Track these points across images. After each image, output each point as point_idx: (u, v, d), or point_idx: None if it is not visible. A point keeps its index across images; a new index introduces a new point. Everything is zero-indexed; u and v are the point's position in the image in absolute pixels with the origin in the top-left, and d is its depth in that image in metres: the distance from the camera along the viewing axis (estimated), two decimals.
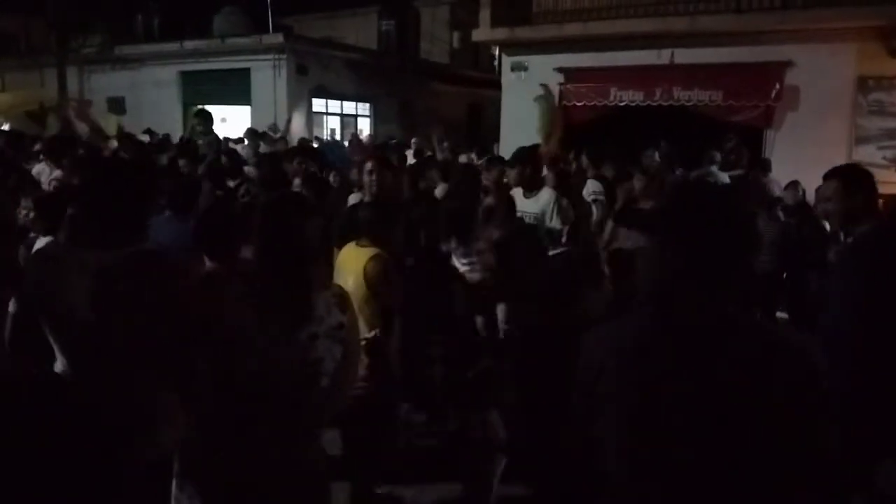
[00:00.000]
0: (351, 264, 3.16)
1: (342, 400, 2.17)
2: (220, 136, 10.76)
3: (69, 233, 3.13)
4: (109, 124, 14.09)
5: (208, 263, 2.89)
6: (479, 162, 8.20)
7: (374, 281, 3.08)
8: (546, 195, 4.91)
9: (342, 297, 2.11)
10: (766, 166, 8.96)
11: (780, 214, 6.79)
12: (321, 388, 2.01)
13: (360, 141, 13.17)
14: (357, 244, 3.25)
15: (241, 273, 2.12)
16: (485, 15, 11.60)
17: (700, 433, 1.40)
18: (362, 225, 3.31)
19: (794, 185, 7.49)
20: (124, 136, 8.82)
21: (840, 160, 9.16)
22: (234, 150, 8.64)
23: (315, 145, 11.87)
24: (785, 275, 6.64)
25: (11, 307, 2.47)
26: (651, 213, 4.20)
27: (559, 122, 11.27)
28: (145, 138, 10.93)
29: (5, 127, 14.02)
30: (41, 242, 3.72)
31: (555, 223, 4.69)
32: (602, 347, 1.59)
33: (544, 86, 11.41)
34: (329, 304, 2.04)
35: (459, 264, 4.13)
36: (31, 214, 3.96)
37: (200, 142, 8.79)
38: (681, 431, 1.41)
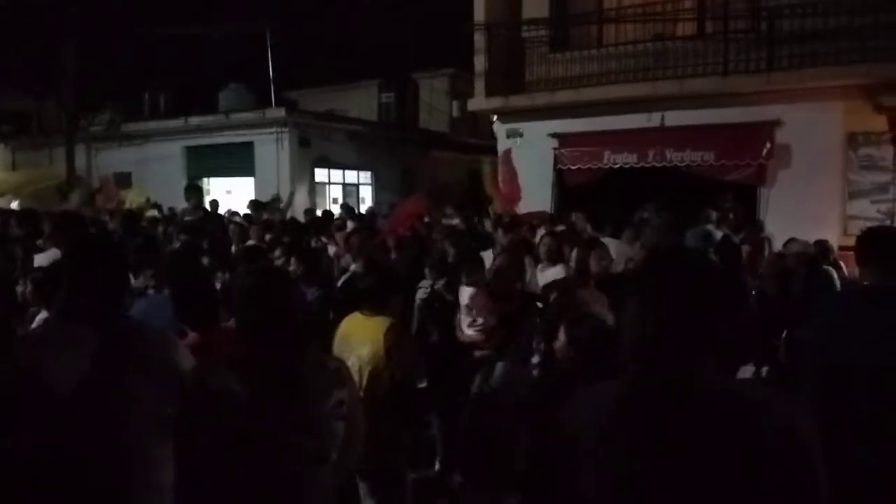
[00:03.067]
0: (364, 334, 3.18)
1: (345, 473, 2.14)
2: (216, 208, 10.99)
3: (57, 308, 3.17)
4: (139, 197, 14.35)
5: (191, 335, 2.93)
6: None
7: (394, 350, 3.12)
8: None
9: (339, 371, 2.09)
10: (759, 227, 9.04)
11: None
12: (328, 467, 1.99)
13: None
14: (362, 313, 3.27)
15: (227, 346, 2.13)
16: (479, 85, 11.96)
17: (679, 500, 1.39)
18: (364, 294, 3.35)
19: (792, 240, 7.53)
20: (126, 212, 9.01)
21: (835, 215, 9.36)
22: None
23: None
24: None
25: None
26: (626, 277, 4.28)
27: (500, 196, 11.62)
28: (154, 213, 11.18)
29: (14, 205, 14.34)
30: (39, 318, 3.78)
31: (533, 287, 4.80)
32: (580, 412, 1.59)
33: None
34: (327, 382, 2.01)
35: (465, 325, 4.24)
36: (29, 289, 4.03)
37: (188, 218, 9.01)
38: (660, 498, 1.41)
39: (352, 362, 2.95)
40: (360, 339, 3.16)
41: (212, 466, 1.92)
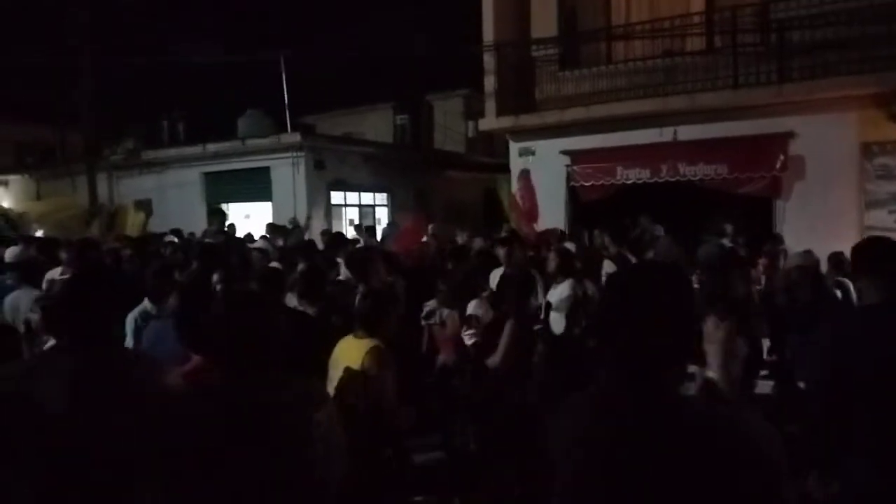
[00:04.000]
0: (349, 356, 3.21)
1: (331, 495, 2.10)
2: (234, 233, 11.13)
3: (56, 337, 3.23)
4: (133, 224, 14.70)
5: (194, 358, 2.96)
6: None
7: (371, 372, 3.12)
8: None
9: (316, 394, 2.06)
10: (779, 239, 8.97)
11: None
12: (308, 492, 1.96)
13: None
14: (355, 336, 3.31)
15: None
16: (490, 105, 12.05)
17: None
18: (357, 316, 3.39)
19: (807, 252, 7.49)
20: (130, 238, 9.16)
21: (852, 226, 9.22)
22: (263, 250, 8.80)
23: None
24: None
25: None
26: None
27: (520, 212, 11.64)
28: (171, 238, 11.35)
29: (39, 233, 14.66)
30: (47, 346, 3.85)
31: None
32: (559, 418, 1.63)
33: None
34: (303, 405, 1.98)
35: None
36: (38, 317, 4.11)
37: (208, 240, 9.15)
38: (630, 500, 1.41)
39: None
40: (345, 360, 3.19)
41: (190, 492, 1.91)
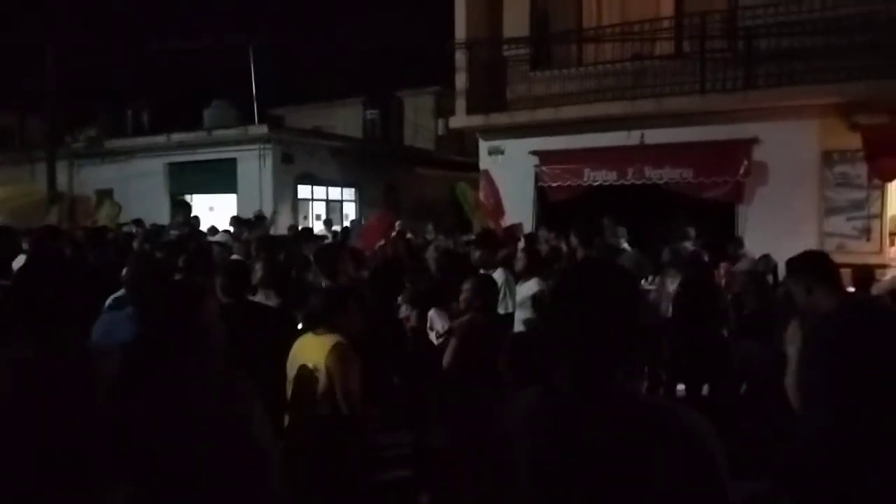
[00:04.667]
0: (308, 354, 3.16)
1: (265, 490, 2.02)
2: (197, 225, 10.91)
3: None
4: (108, 215, 14.29)
5: None
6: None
7: (335, 369, 3.08)
8: (499, 276, 4.98)
9: (237, 385, 1.98)
10: (740, 243, 9.13)
11: None
12: (235, 493, 1.88)
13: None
14: (314, 333, 3.24)
15: None
16: (461, 103, 12.04)
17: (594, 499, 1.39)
18: (315, 313, 3.33)
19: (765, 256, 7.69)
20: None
21: (811, 232, 9.41)
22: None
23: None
24: None
25: None
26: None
27: (487, 210, 11.66)
28: (132, 228, 11.07)
29: None
30: None
31: (507, 304, 4.73)
32: (513, 414, 1.60)
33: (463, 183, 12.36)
34: (219, 396, 1.91)
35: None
36: None
37: (174, 232, 8.97)
38: (577, 498, 1.40)
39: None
40: (304, 358, 3.14)
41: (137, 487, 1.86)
